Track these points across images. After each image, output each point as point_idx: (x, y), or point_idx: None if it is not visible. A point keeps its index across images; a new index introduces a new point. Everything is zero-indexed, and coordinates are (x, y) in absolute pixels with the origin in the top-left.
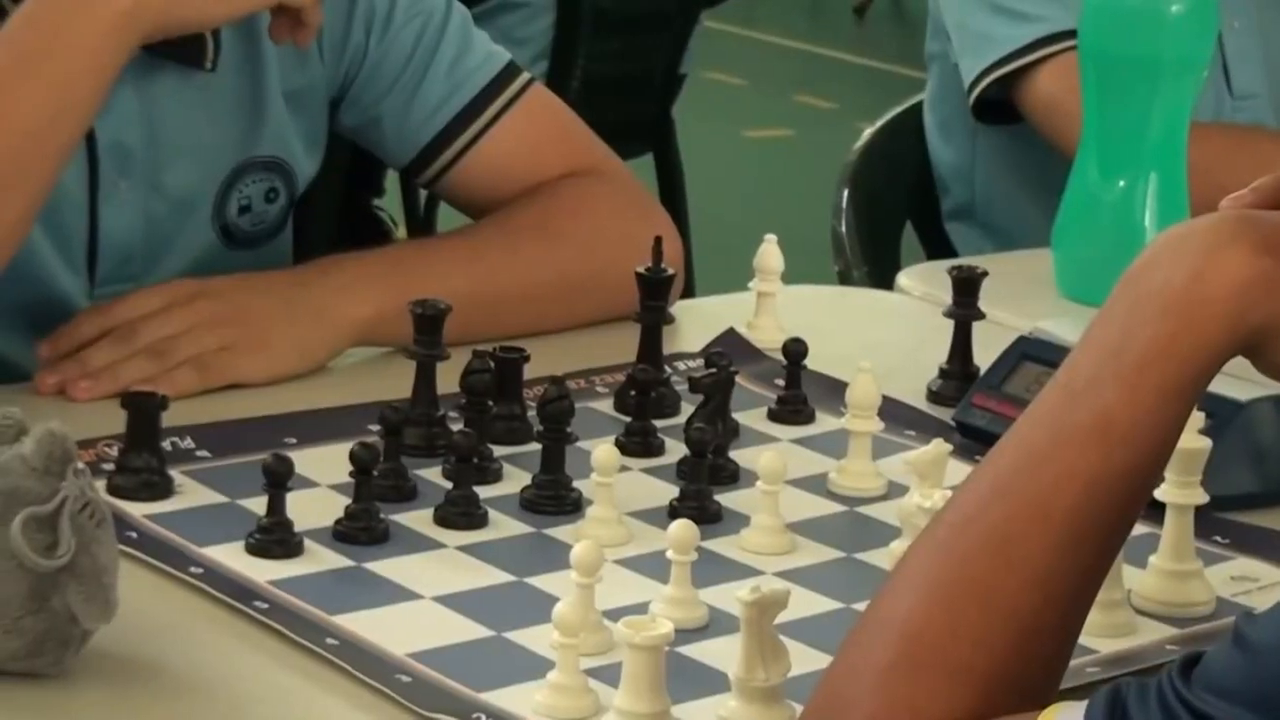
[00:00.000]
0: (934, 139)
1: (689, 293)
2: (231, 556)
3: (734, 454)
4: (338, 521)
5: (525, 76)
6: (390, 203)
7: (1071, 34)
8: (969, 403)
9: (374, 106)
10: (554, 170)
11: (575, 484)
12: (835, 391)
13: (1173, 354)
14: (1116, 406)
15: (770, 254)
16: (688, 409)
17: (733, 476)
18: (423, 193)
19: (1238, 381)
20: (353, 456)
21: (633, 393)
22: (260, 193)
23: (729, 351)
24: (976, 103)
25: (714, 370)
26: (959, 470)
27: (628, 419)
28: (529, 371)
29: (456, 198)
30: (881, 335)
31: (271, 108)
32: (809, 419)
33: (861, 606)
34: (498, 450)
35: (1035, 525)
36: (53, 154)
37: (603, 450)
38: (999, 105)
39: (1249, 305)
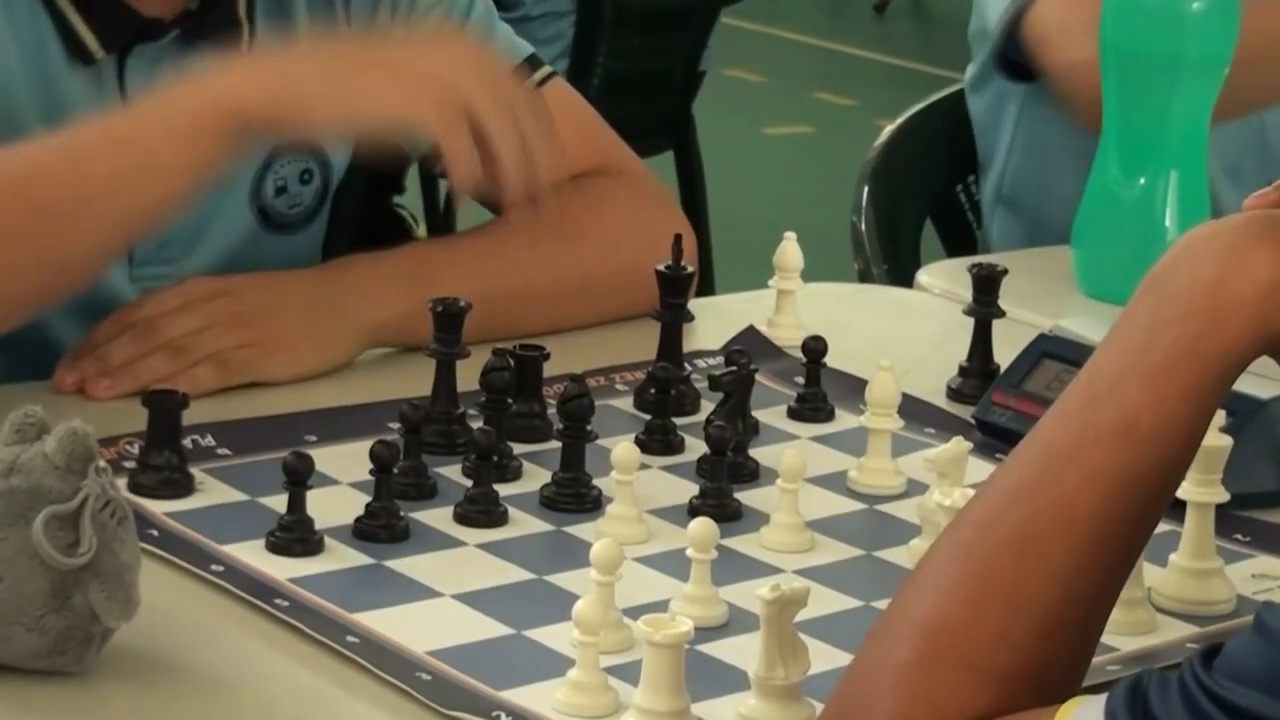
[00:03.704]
0: (979, 120)
1: (708, 290)
2: (252, 554)
3: (754, 452)
4: (358, 519)
5: (547, 69)
6: (410, 200)
7: None
8: (989, 401)
9: None
10: (572, 165)
11: (595, 482)
12: (855, 389)
13: (1198, 355)
14: (1141, 408)
15: (790, 251)
16: (707, 407)
17: (752, 474)
18: (443, 190)
19: (1259, 379)
20: (373, 454)
21: (652, 390)
22: (295, 174)
23: (749, 349)
24: (1006, 64)
25: (734, 368)
26: (979, 468)
27: (647, 417)
28: (549, 369)
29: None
30: (901, 333)
31: None
32: (829, 417)
33: (881, 604)
34: (517, 448)
35: (1059, 525)
36: (115, 216)
37: (622, 448)
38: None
39: (1275, 306)
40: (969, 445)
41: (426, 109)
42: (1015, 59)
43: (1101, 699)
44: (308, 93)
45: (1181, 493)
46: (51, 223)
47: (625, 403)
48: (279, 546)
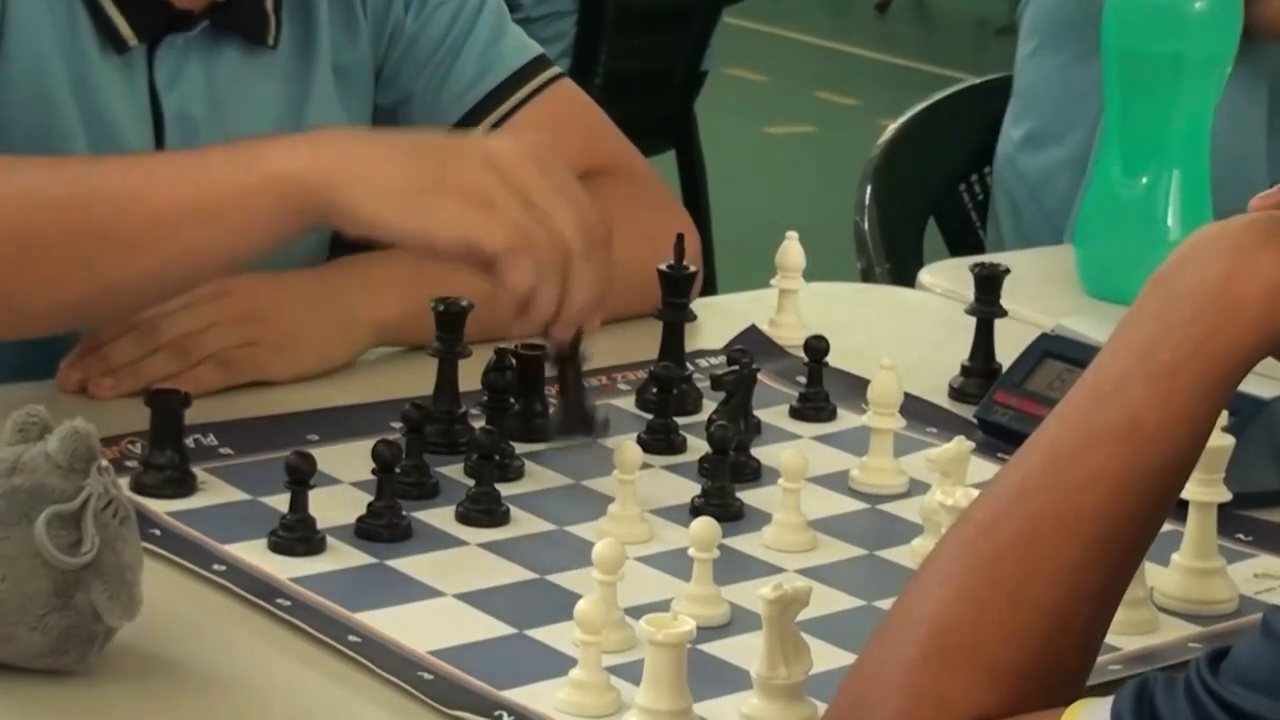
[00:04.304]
0: (1038, 87)
1: (710, 289)
2: (254, 554)
3: (756, 451)
4: (360, 519)
5: (555, 69)
6: None
7: None
8: (991, 400)
9: (407, 85)
10: (576, 163)
11: (597, 481)
12: (857, 389)
13: (1204, 356)
14: (1146, 408)
15: (792, 251)
16: (709, 406)
17: (754, 474)
18: None
19: (1262, 379)
20: (375, 454)
21: (654, 390)
22: None
23: (751, 349)
24: None
25: (736, 367)
26: (981, 468)
27: (649, 416)
28: (550, 369)
29: None
30: (903, 332)
31: (321, 81)
32: (831, 416)
33: (883, 604)
34: (519, 448)
35: (1064, 524)
36: (176, 252)
37: (625, 447)
38: None
39: None
40: (971, 445)
41: (497, 242)
42: None
43: (1107, 701)
44: (387, 192)
45: (1184, 492)
46: (110, 244)
47: (627, 402)
48: (281, 546)
